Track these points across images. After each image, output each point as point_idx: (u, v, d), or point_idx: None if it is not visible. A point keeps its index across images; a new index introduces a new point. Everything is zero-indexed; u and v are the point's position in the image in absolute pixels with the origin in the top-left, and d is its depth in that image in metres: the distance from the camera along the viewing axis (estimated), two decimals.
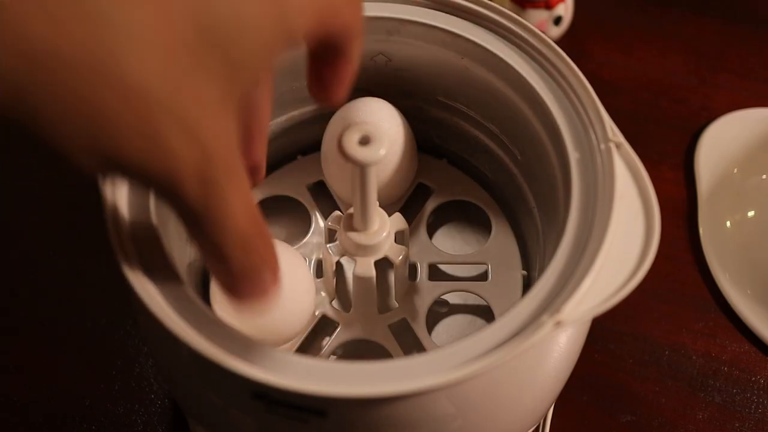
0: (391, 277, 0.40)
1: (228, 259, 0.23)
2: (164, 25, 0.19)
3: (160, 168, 0.20)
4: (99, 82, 0.19)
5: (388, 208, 0.37)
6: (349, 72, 0.27)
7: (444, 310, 0.40)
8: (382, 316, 0.38)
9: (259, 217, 0.23)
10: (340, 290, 0.40)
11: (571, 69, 0.33)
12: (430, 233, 0.42)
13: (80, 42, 0.18)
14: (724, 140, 0.55)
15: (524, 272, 0.40)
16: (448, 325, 0.40)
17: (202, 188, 0.21)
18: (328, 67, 0.26)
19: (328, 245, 0.37)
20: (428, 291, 0.39)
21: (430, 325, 0.39)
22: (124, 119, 0.19)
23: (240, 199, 0.22)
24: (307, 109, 0.42)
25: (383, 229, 0.35)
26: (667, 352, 0.47)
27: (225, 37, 0.20)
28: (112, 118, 0.19)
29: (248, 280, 0.24)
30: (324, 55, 0.26)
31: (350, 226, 0.35)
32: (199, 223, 0.22)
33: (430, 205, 0.42)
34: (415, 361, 0.26)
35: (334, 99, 0.28)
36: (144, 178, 0.21)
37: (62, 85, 0.18)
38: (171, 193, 0.21)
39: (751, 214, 0.51)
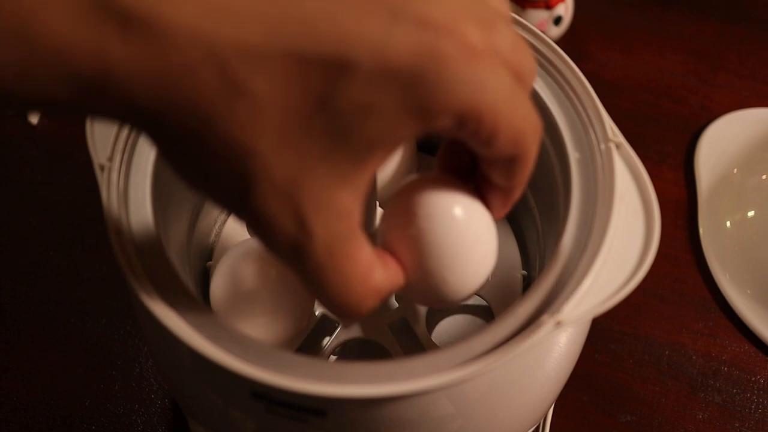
0: None
1: (320, 296, 0.24)
2: (287, 96, 0.20)
3: (251, 220, 0.22)
4: (214, 134, 0.21)
5: None
6: (501, 192, 0.27)
7: (444, 309, 0.40)
8: (382, 316, 0.38)
9: (366, 281, 0.24)
10: None
11: (571, 69, 0.33)
12: None
13: (213, 94, 0.20)
14: (724, 140, 0.55)
15: (524, 272, 0.40)
16: (448, 325, 0.40)
17: (295, 256, 0.22)
18: (481, 178, 0.26)
19: None
20: None
21: (430, 325, 0.39)
22: (224, 165, 0.21)
23: (341, 275, 0.23)
24: None
25: None
26: (667, 352, 0.47)
27: (347, 124, 0.21)
28: (213, 161, 0.21)
29: (349, 316, 0.25)
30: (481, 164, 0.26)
31: None
32: (294, 273, 0.23)
33: None
34: (415, 361, 0.26)
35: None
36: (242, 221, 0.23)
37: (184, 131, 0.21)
38: (263, 242, 0.23)
39: (751, 214, 0.51)
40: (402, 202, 0.27)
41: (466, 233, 0.27)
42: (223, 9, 0.20)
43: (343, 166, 0.21)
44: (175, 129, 0.21)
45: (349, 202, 0.22)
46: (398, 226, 0.27)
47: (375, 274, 0.24)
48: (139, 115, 0.21)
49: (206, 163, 0.21)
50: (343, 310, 0.24)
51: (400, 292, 0.28)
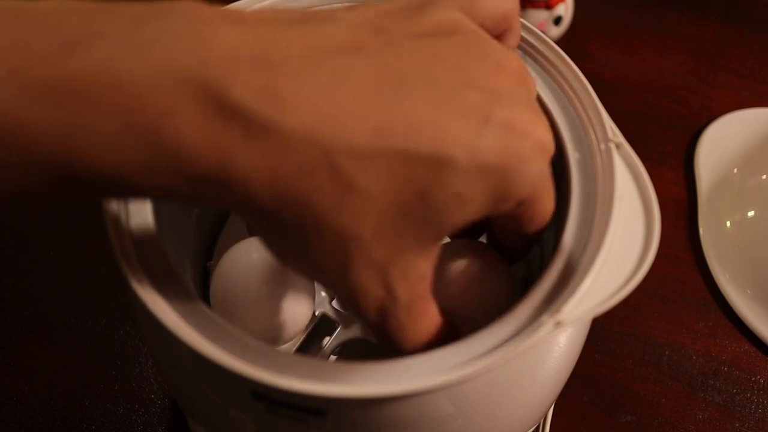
0: None
1: (397, 351, 0.27)
2: (392, 190, 0.23)
3: (345, 292, 0.25)
4: (323, 225, 0.23)
5: None
6: (513, 251, 0.32)
7: None
8: None
9: (432, 334, 0.27)
10: None
11: (571, 69, 0.33)
12: None
13: (324, 191, 0.22)
14: (724, 140, 0.55)
15: (524, 272, 0.40)
16: None
17: (380, 318, 0.25)
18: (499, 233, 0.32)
19: None
20: None
21: None
22: (327, 250, 0.23)
23: (415, 330, 0.26)
24: None
25: None
26: (667, 352, 0.47)
27: (441, 211, 0.24)
28: (318, 247, 0.23)
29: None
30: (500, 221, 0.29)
31: None
32: (376, 333, 0.26)
33: None
34: (415, 361, 0.26)
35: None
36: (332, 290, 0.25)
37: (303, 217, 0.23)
38: (353, 308, 0.26)
39: (751, 214, 0.51)
40: (440, 266, 0.32)
41: (493, 291, 0.33)
42: (335, 113, 0.22)
43: (428, 243, 0.25)
44: (285, 221, 0.23)
45: (426, 268, 0.25)
46: (439, 286, 0.32)
47: (439, 326, 0.27)
48: (252, 207, 0.23)
49: (309, 248, 0.24)
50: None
51: None
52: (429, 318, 0.27)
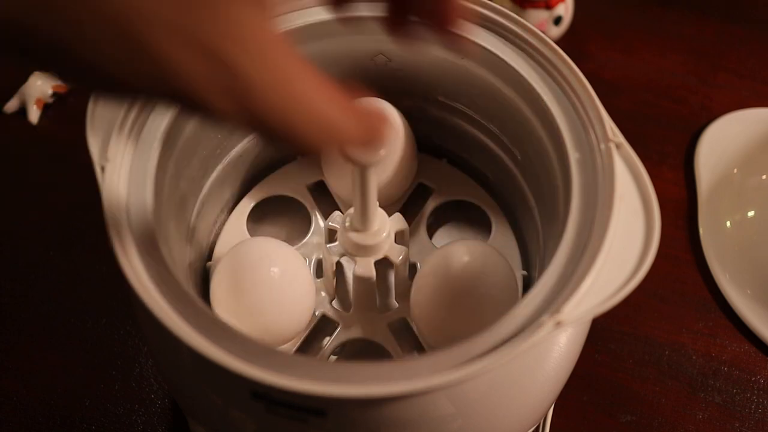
0: (391, 277, 0.40)
1: (313, 148, 0.21)
2: None
3: (177, 91, 0.19)
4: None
5: (388, 208, 0.37)
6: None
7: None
8: (382, 316, 0.38)
9: (322, 89, 0.21)
10: (340, 290, 0.40)
11: (571, 69, 0.33)
12: (430, 233, 0.42)
13: None
14: (724, 140, 0.55)
15: (524, 272, 0.40)
16: None
17: (232, 97, 0.20)
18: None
19: (328, 245, 0.37)
20: None
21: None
22: (115, 44, 0.19)
23: (285, 80, 0.20)
24: None
25: (383, 229, 0.35)
26: (667, 352, 0.47)
27: None
28: (102, 43, 0.19)
29: (338, 143, 0.22)
30: None
31: (350, 227, 0.35)
32: (255, 130, 0.21)
33: (430, 205, 0.42)
34: (415, 361, 0.26)
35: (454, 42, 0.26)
36: (168, 101, 0.19)
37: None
38: (203, 114, 0.20)
39: (751, 214, 0.51)
40: (443, 265, 0.35)
41: (495, 290, 0.34)
42: None
43: None
44: (47, 35, 0.19)
45: (256, 16, 0.20)
46: (442, 285, 0.34)
47: (331, 85, 0.22)
48: (7, 35, 0.19)
49: (99, 57, 0.19)
50: (321, 134, 0.21)
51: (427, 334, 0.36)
52: (299, 60, 0.21)
